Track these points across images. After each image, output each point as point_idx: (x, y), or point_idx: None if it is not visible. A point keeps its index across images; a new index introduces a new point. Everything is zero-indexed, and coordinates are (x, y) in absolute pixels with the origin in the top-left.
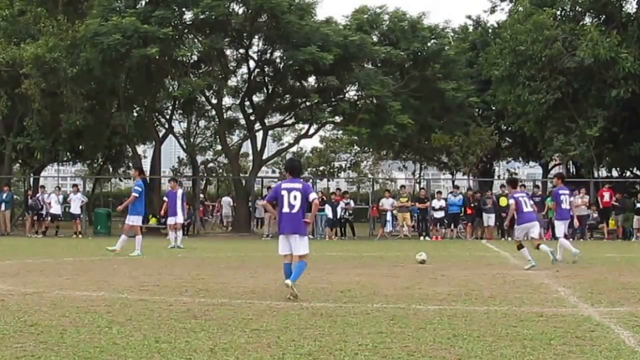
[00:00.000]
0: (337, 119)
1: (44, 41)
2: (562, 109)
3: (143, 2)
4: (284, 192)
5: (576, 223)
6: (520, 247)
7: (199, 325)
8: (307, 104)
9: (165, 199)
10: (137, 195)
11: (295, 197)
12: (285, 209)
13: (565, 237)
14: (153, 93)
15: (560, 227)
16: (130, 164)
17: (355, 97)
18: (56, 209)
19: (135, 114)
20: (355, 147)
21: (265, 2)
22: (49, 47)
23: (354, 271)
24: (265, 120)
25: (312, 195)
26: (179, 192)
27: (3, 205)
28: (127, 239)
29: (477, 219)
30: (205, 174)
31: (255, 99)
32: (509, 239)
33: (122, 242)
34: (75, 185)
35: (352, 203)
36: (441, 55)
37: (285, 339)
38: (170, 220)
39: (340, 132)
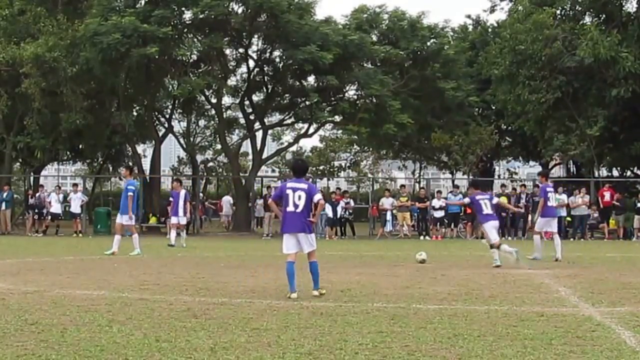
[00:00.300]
0: (337, 118)
1: (44, 40)
2: (562, 109)
3: (142, 2)
4: (289, 192)
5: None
6: (497, 246)
7: (199, 324)
8: (307, 103)
9: (170, 198)
10: (132, 194)
11: (299, 197)
12: (290, 208)
13: (540, 235)
14: (153, 92)
15: (543, 224)
16: (130, 163)
17: (355, 97)
18: (56, 208)
19: (135, 114)
20: (355, 146)
21: (264, 2)
22: (48, 47)
23: (354, 270)
24: (265, 120)
25: (317, 196)
26: (182, 192)
27: (3, 204)
28: (121, 238)
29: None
30: (205, 173)
31: (254, 98)
32: (509, 238)
33: (118, 243)
34: (75, 185)
35: (352, 202)
36: (441, 54)
37: (285, 338)
38: (173, 220)
39: (340, 131)
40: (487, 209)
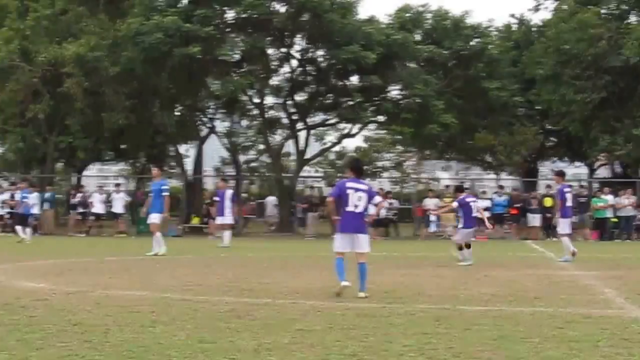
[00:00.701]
0: (380, 118)
1: (86, 40)
2: (607, 108)
3: (185, 1)
4: (350, 192)
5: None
6: (461, 247)
7: (243, 325)
8: (350, 103)
9: (216, 198)
10: (168, 194)
11: (360, 198)
12: (350, 208)
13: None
14: (195, 92)
15: (565, 225)
16: (173, 164)
17: (399, 97)
18: (99, 208)
19: (177, 113)
20: (399, 146)
21: (307, 1)
22: (90, 46)
23: (398, 271)
24: (308, 120)
25: (378, 198)
26: (228, 192)
27: (46, 204)
28: (160, 237)
29: (522, 219)
30: (248, 174)
31: (297, 98)
32: (554, 239)
33: (159, 242)
34: (118, 185)
35: (396, 203)
36: (484, 54)
37: (329, 339)
38: (219, 220)
39: (384, 131)
40: (475, 212)
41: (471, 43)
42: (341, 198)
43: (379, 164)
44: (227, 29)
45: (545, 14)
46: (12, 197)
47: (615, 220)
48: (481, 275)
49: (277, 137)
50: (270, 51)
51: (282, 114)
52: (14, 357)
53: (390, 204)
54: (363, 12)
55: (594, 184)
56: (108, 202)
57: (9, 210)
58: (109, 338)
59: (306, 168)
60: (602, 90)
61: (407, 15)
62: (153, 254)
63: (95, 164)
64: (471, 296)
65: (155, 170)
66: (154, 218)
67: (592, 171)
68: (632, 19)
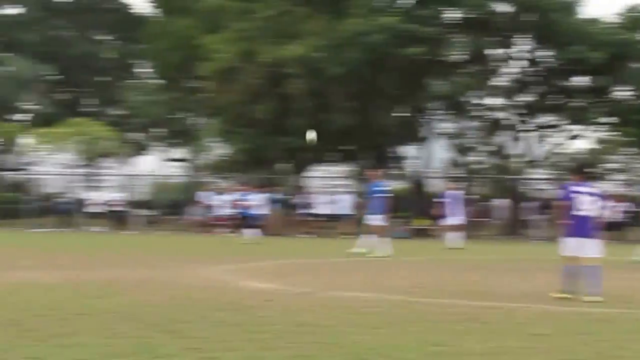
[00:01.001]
0: (608, 119)
1: (308, 41)
2: None
3: (407, 1)
4: (580, 195)
5: None
6: None
7: (471, 328)
8: (576, 104)
9: (442, 199)
10: (387, 195)
11: (590, 202)
12: (580, 212)
13: None
14: (418, 93)
15: None
16: (395, 165)
17: (628, 97)
18: (323, 209)
19: (400, 114)
20: (629, 148)
21: (530, 1)
22: (313, 47)
23: (631, 275)
24: (533, 121)
25: (607, 202)
26: (457, 193)
27: (273, 205)
28: (380, 239)
29: None
30: (474, 175)
31: (522, 98)
32: None
33: (384, 244)
34: (342, 185)
35: (629, 206)
36: None
37: (560, 345)
38: (448, 222)
39: (613, 132)
40: None
41: None
42: (569, 201)
43: (608, 166)
44: (451, 30)
45: None
46: (240, 198)
47: None
48: None
49: (501, 138)
50: (493, 51)
51: (507, 115)
52: (245, 356)
53: (623, 206)
54: (587, 11)
55: None
56: (332, 202)
57: (240, 210)
58: (337, 339)
59: (532, 170)
60: None
61: (636, 14)
62: (385, 255)
63: (320, 165)
64: None
65: (374, 172)
66: (374, 219)
67: None
68: None
